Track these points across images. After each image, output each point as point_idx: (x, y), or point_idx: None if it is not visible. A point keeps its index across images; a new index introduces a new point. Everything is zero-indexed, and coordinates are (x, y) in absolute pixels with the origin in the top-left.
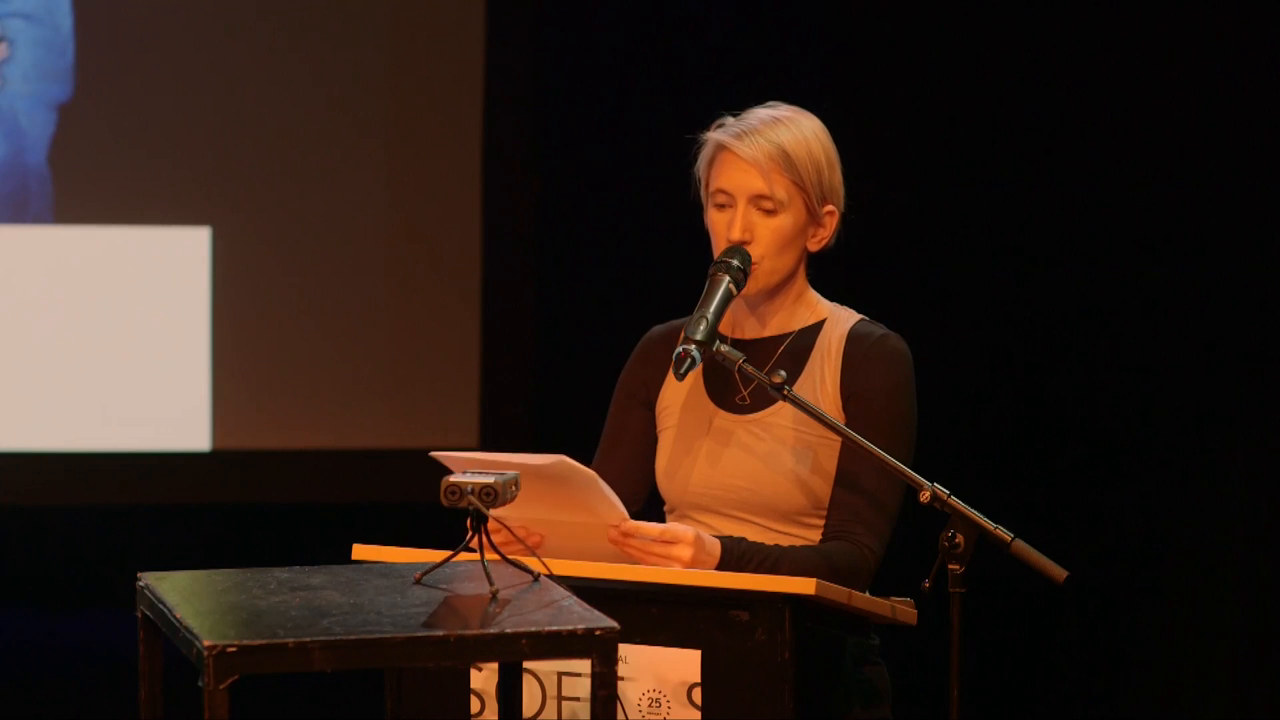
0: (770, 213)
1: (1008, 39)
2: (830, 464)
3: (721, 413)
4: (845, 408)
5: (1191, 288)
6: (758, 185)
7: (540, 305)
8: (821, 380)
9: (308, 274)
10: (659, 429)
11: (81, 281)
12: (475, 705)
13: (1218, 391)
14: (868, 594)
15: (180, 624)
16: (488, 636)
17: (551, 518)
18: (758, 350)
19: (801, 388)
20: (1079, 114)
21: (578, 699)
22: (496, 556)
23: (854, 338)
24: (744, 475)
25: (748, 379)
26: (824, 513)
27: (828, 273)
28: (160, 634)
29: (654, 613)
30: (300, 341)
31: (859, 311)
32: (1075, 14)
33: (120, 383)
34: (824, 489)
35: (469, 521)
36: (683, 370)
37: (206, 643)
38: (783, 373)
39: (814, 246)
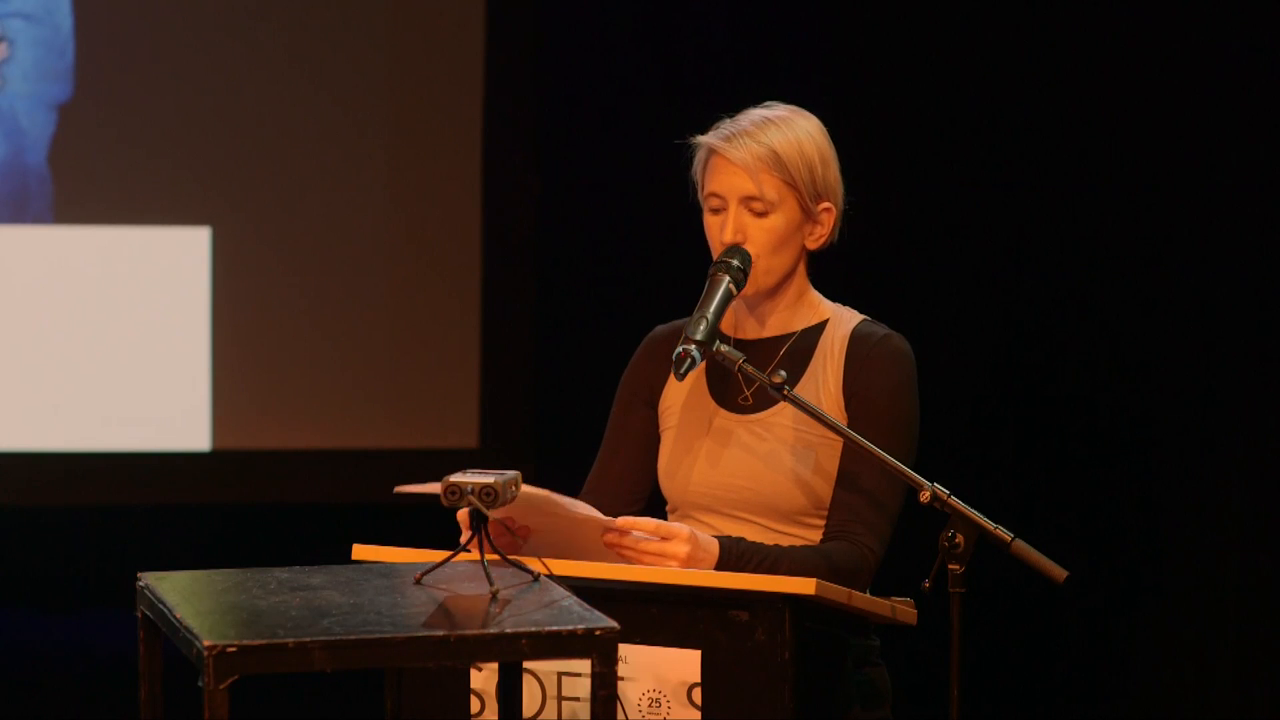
0: (761, 214)
1: (1008, 39)
2: (831, 464)
3: (723, 412)
4: (847, 408)
5: (1192, 287)
6: (747, 187)
7: (540, 305)
8: (824, 381)
9: (308, 274)
10: (661, 428)
11: (81, 281)
12: (475, 705)
13: (1218, 391)
14: (868, 594)
15: (180, 624)
16: (488, 636)
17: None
18: (760, 350)
19: (804, 388)
20: (1079, 113)
21: (578, 699)
22: (496, 556)
23: (856, 338)
24: (745, 475)
25: (749, 379)
26: (825, 513)
27: (828, 272)
28: (160, 634)
29: (654, 613)
30: (300, 341)
31: (860, 311)
32: (1075, 14)
33: (120, 383)
34: (825, 489)
35: (458, 516)
36: (683, 370)
37: (206, 643)
38: (783, 373)
39: (813, 245)
